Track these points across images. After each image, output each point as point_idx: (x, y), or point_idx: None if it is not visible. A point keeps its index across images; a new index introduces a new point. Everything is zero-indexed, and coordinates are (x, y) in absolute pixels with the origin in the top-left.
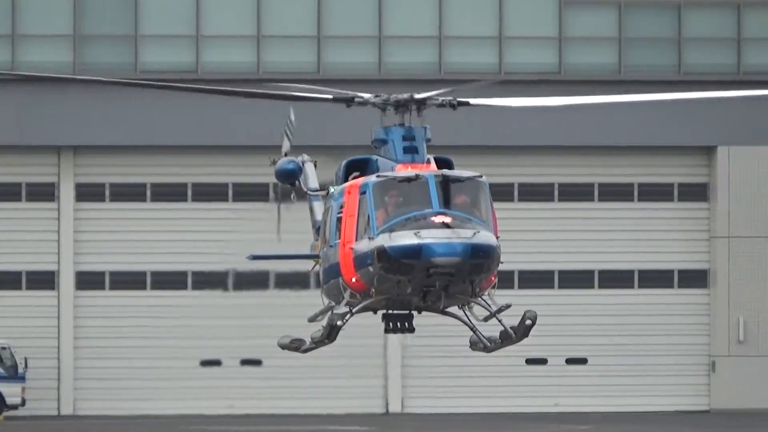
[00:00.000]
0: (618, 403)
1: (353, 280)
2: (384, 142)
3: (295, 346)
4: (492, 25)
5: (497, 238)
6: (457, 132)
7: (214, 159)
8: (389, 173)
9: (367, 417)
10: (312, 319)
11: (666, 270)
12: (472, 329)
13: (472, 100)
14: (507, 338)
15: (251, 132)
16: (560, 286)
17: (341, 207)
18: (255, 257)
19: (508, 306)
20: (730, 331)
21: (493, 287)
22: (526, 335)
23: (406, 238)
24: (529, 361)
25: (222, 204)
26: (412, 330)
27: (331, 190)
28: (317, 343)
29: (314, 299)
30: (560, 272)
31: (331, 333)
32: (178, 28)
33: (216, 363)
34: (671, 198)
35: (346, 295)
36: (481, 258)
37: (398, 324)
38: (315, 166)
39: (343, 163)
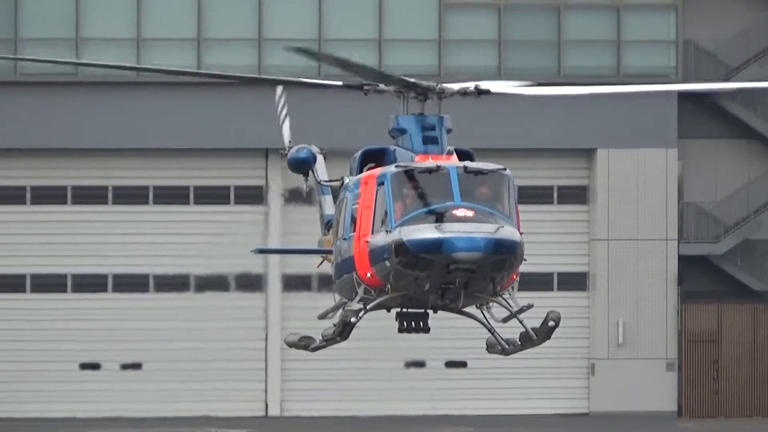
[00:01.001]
0: (498, 406)
1: (368, 275)
2: (402, 131)
3: (303, 344)
4: (371, 28)
5: (521, 234)
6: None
7: (92, 162)
8: (409, 163)
9: (246, 420)
10: (322, 317)
11: (546, 273)
12: (490, 331)
13: (493, 89)
14: (528, 340)
15: (131, 134)
16: None
17: (357, 198)
18: (261, 251)
19: (530, 306)
20: (609, 334)
21: (514, 287)
22: (549, 337)
23: (425, 232)
24: (408, 364)
25: (101, 207)
26: (427, 330)
27: (346, 180)
28: (328, 341)
29: (196, 302)
30: None
31: (344, 330)
32: (58, 31)
33: (96, 366)
34: (551, 201)
35: (360, 291)
36: (504, 254)
37: (413, 323)
38: (324, 158)
39: (359, 153)
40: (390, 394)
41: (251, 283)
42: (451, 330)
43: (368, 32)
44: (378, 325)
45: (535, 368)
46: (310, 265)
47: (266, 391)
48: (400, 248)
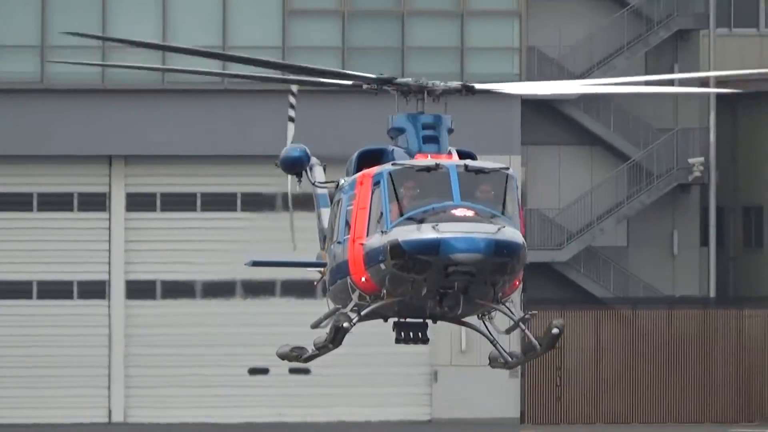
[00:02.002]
0: (341, 413)
1: (363, 279)
2: (401, 131)
3: (296, 354)
4: (215, 35)
5: (524, 236)
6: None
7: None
8: (406, 161)
9: (89, 426)
10: (315, 326)
11: None
12: (492, 342)
13: (492, 86)
14: (531, 350)
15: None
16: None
17: (352, 199)
18: (255, 263)
19: (534, 314)
20: (452, 340)
21: (519, 294)
22: (552, 346)
23: (422, 232)
24: (252, 371)
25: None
26: (426, 341)
27: (342, 182)
28: (321, 348)
29: (39, 308)
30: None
31: (336, 336)
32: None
33: None
34: None
35: (355, 297)
36: (505, 256)
37: (411, 334)
38: (324, 170)
39: (355, 154)
40: (234, 401)
41: (94, 290)
42: (294, 336)
43: (212, 39)
44: (222, 331)
45: (377, 375)
46: (152, 272)
47: (109, 398)
48: (396, 249)
